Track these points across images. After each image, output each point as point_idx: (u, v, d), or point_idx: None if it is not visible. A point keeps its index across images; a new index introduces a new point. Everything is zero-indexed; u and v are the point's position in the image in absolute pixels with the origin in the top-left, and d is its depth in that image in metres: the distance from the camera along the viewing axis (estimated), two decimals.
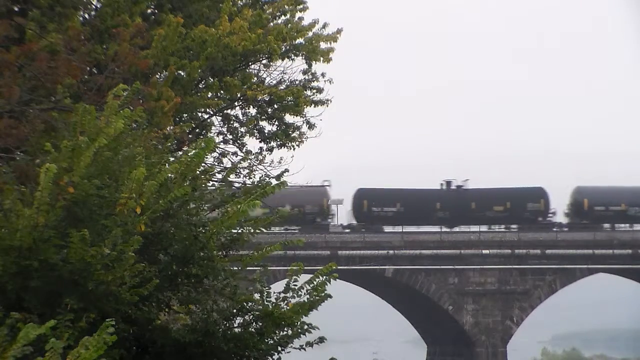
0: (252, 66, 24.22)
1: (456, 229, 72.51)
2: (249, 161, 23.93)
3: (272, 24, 23.64)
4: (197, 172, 13.70)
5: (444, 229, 71.98)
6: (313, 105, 24.30)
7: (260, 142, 24.65)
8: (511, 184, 77.97)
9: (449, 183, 73.78)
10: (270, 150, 24.64)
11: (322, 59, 24.12)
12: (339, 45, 24.30)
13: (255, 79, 24.07)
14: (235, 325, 13.83)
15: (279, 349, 13.82)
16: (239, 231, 14.06)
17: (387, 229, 72.01)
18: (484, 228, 72.34)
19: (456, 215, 71.62)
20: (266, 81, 24.53)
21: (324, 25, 24.20)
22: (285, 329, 13.74)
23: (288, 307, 13.78)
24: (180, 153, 17.05)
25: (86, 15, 20.41)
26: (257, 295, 14.00)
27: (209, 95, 22.71)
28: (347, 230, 71.55)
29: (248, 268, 14.40)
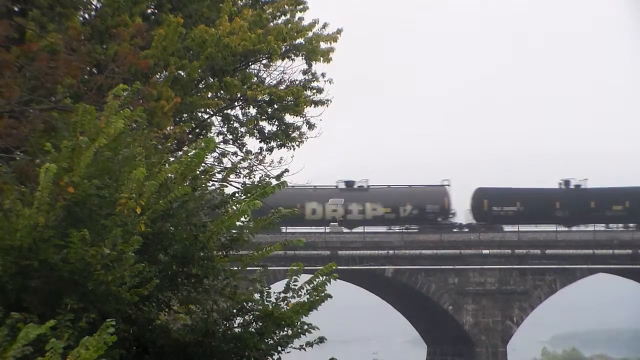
0: (252, 66, 24.23)
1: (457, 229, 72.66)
2: (249, 161, 23.95)
3: (272, 24, 23.64)
4: (197, 172, 13.70)
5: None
6: (313, 105, 24.31)
7: (260, 142, 24.68)
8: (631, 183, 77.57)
9: (567, 182, 74.02)
10: (270, 150, 24.65)
11: (322, 59, 24.13)
12: (338, 45, 24.34)
13: (255, 79, 24.08)
14: (235, 325, 13.83)
15: (279, 349, 13.81)
16: (242, 231, 14.06)
17: (506, 228, 72.51)
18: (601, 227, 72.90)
19: (575, 214, 72.06)
20: (266, 81, 24.54)
21: (324, 25, 24.22)
22: (285, 329, 13.74)
23: (288, 307, 13.78)
24: (180, 153, 17.06)
25: (86, 15, 20.40)
26: (257, 295, 14.00)
27: (209, 95, 22.71)
28: (465, 230, 72.17)
29: (248, 268, 14.39)
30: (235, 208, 13.49)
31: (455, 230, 72.28)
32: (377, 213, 70.94)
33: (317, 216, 70.09)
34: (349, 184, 71.80)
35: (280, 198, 17.66)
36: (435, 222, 71.42)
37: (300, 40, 23.89)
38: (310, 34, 23.97)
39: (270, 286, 14.21)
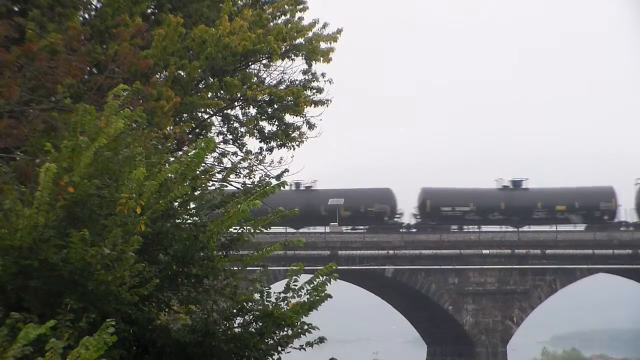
0: (252, 66, 24.21)
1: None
2: (249, 161, 23.92)
3: (272, 24, 23.63)
4: (197, 172, 13.69)
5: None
6: (313, 105, 24.30)
7: (260, 142, 24.66)
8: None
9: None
10: (270, 150, 24.64)
11: (322, 59, 24.12)
12: (338, 45, 24.33)
13: (255, 79, 24.07)
14: (235, 325, 13.82)
15: (279, 349, 13.81)
16: (239, 231, 14.05)
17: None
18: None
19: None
20: (266, 81, 24.53)
21: (324, 25, 24.21)
22: (285, 329, 13.73)
23: (288, 307, 13.77)
24: (180, 153, 17.06)
25: (86, 15, 20.39)
26: (257, 295, 13.99)
27: (209, 95, 22.70)
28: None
29: (248, 268, 14.38)
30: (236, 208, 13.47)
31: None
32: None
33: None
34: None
35: None
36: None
37: (300, 40, 23.89)
38: (310, 34, 23.96)
39: (270, 286, 14.20)
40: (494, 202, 72.52)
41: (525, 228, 72.61)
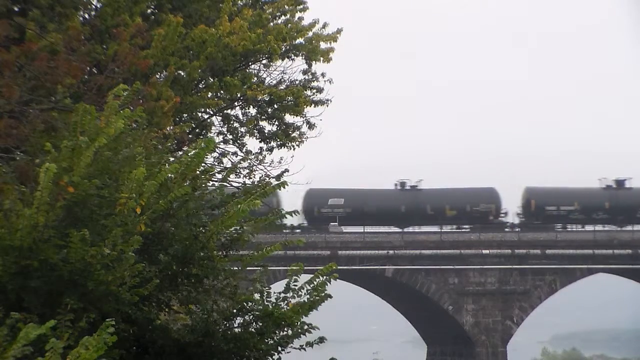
0: (252, 66, 24.21)
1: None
2: (249, 161, 23.92)
3: (272, 24, 23.62)
4: (197, 172, 13.69)
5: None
6: (313, 105, 24.30)
7: (260, 142, 24.66)
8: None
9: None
10: (270, 150, 24.64)
11: (322, 59, 24.12)
12: (338, 45, 24.33)
13: (255, 79, 24.06)
14: (235, 325, 13.82)
15: (279, 349, 13.81)
16: (242, 229, 14.05)
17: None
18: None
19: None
20: (266, 81, 24.52)
21: (324, 25, 24.20)
22: (285, 329, 13.74)
23: (288, 307, 13.78)
24: (180, 153, 17.06)
25: (86, 15, 20.39)
26: (257, 295, 14.00)
27: (209, 95, 22.69)
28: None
29: (248, 268, 14.39)
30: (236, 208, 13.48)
31: None
32: None
33: None
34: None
35: None
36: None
37: (300, 40, 23.88)
38: (310, 33, 23.96)
39: (270, 286, 14.20)
40: (599, 201, 72.38)
41: (629, 227, 72.54)
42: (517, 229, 72.27)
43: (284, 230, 70.02)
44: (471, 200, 72.22)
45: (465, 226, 72.60)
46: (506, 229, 72.33)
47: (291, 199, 70.67)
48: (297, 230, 70.51)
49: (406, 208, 71.17)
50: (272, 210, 14.64)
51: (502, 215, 73.17)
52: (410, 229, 71.78)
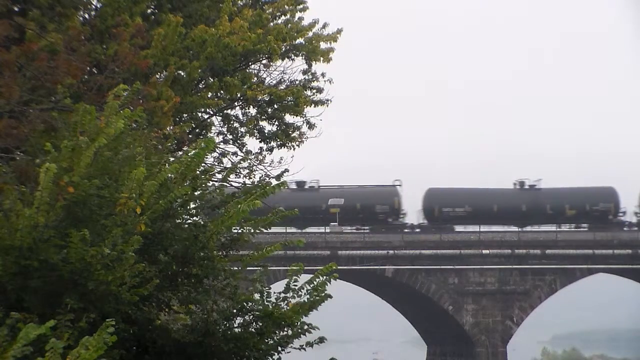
0: (252, 66, 24.21)
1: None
2: (249, 161, 23.91)
3: (272, 24, 23.63)
4: (197, 172, 13.69)
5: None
6: (313, 105, 24.30)
7: (260, 142, 24.65)
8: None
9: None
10: (270, 150, 24.63)
11: (322, 59, 24.12)
12: (338, 45, 24.33)
13: (255, 79, 24.06)
14: (235, 325, 13.82)
15: (279, 349, 13.81)
16: (239, 231, 14.05)
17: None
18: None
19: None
20: (266, 81, 24.52)
21: (324, 25, 24.21)
22: (285, 329, 13.74)
23: (288, 307, 13.78)
24: (180, 153, 17.06)
25: (86, 15, 20.39)
26: (257, 295, 14.00)
27: (209, 95, 22.69)
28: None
29: (248, 268, 14.39)
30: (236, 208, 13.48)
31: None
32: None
33: None
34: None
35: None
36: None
37: (300, 40, 23.88)
38: (310, 34, 23.96)
39: (270, 286, 14.20)
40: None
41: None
42: (634, 228, 72.25)
43: (404, 230, 70.21)
44: (590, 199, 72.54)
45: (583, 225, 72.87)
46: (625, 228, 72.66)
47: (411, 199, 71.12)
48: (417, 230, 70.86)
49: (527, 207, 71.46)
50: (272, 211, 14.62)
51: (621, 214, 73.47)
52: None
